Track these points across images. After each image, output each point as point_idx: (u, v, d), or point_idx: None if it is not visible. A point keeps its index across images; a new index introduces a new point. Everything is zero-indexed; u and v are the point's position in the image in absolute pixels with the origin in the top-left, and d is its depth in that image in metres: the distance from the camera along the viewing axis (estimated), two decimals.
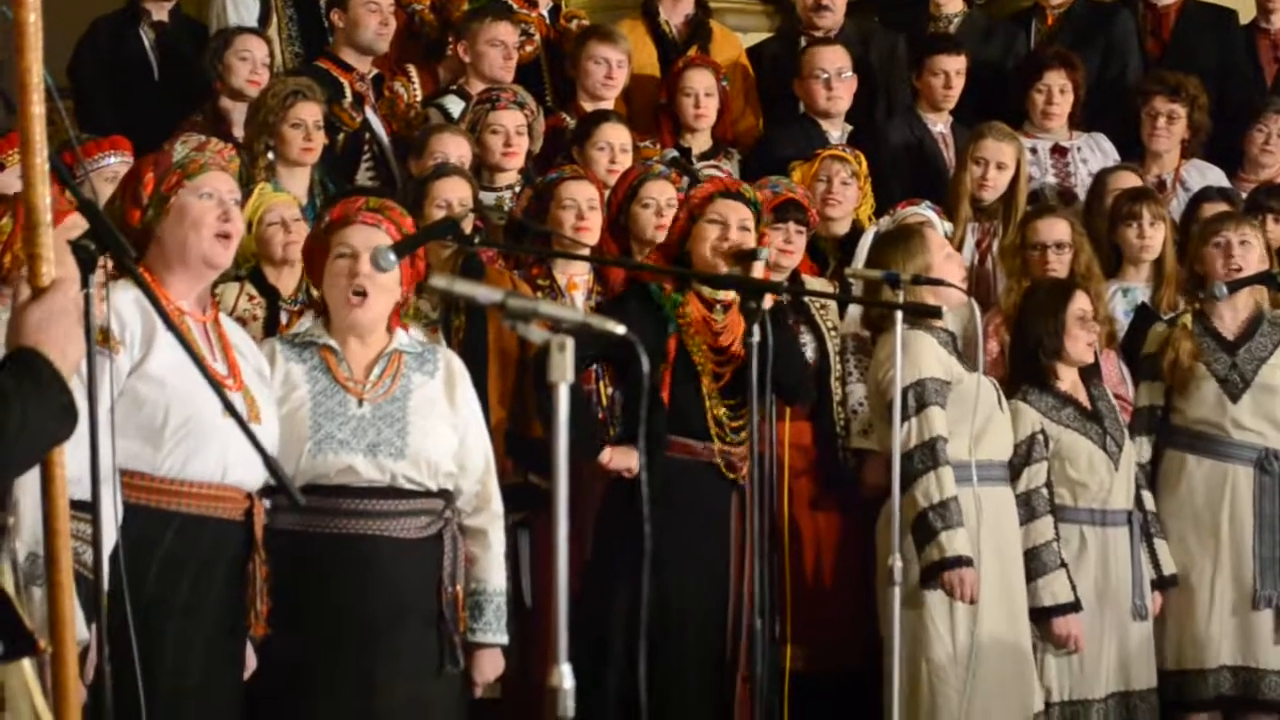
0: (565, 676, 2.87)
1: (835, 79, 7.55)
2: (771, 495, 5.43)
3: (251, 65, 7.13)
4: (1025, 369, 6.10)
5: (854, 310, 6.30)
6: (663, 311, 5.62)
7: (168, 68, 7.70)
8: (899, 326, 5.24)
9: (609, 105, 7.40)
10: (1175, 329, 6.38)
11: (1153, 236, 6.78)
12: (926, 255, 5.78)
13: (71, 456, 3.16)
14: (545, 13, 8.03)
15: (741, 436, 5.53)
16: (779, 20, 8.60)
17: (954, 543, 5.56)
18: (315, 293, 4.93)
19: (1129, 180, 7.15)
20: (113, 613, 3.67)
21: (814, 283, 6.44)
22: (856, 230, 6.85)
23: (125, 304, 4.19)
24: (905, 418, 5.52)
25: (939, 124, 7.69)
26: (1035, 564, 5.86)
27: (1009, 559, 5.80)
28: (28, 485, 3.30)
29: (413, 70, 7.68)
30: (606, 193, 6.29)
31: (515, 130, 6.76)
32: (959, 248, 6.73)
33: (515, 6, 7.79)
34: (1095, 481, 6.03)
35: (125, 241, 3.39)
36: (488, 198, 6.53)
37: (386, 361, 4.76)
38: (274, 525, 4.50)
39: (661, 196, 6.16)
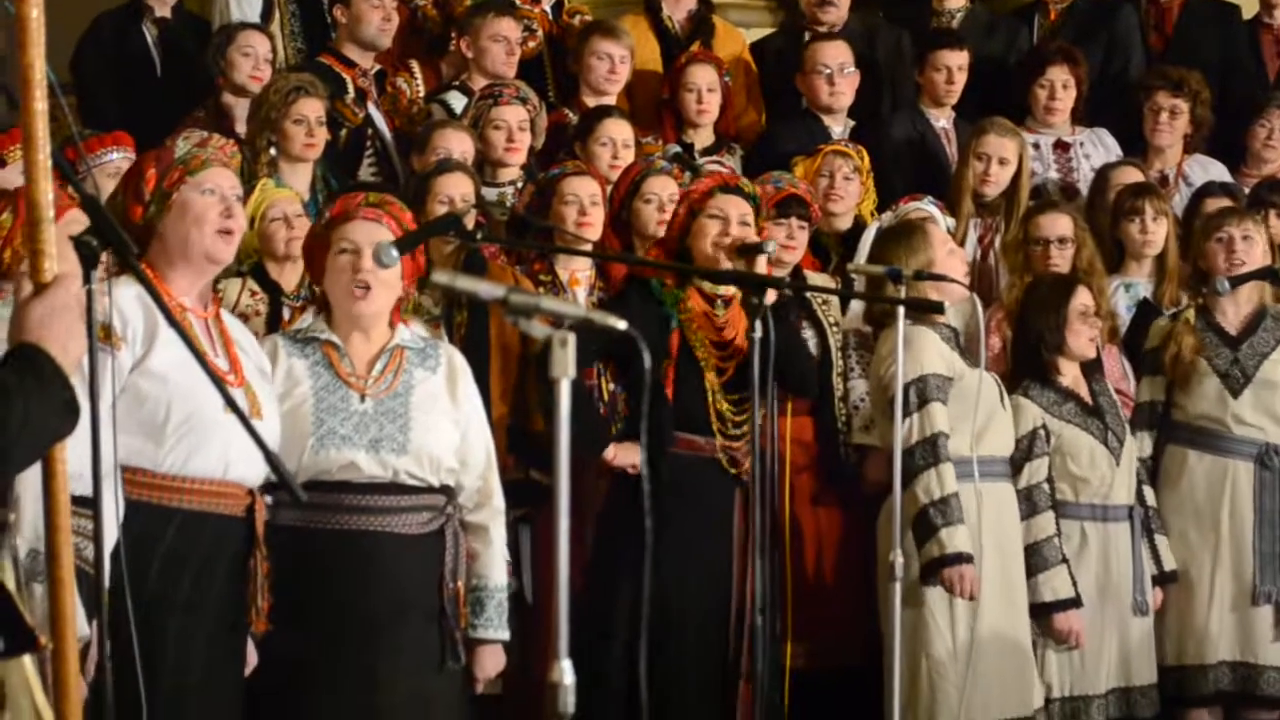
0: (566, 672, 2.87)
1: (838, 74, 7.55)
2: (773, 491, 5.42)
3: (254, 61, 7.13)
4: (1027, 364, 6.10)
5: (856, 305, 6.29)
6: (664, 307, 5.62)
7: (170, 63, 7.70)
8: (901, 322, 5.24)
9: (611, 101, 7.39)
10: (1178, 323, 6.38)
11: (1155, 232, 6.77)
12: (929, 251, 5.78)
13: (73, 452, 3.16)
14: (548, 8, 8.02)
15: (744, 431, 5.53)
16: (781, 15, 8.59)
17: (954, 539, 5.56)
18: (317, 289, 4.93)
19: (1131, 175, 7.14)
20: (114, 609, 3.68)
21: (816, 278, 6.43)
22: (859, 226, 6.84)
23: (127, 300, 4.19)
24: (907, 414, 5.52)
25: (941, 119, 7.69)
26: (1036, 559, 5.86)
27: (1010, 555, 5.80)
28: (29, 482, 3.30)
29: (415, 66, 7.68)
30: (609, 188, 6.29)
31: (518, 126, 6.76)
32: (961, 243, 6.73)
33: (518, 2, 7.79)
34: (1096, 477, 6.03)
35: (127, 238, 3.39)
36: (490, 193, 6.53)
37: (389, 357, 4.76)
38: (275, 521, 4.50)
39: (664, 192, 6.16)
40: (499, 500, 4.85)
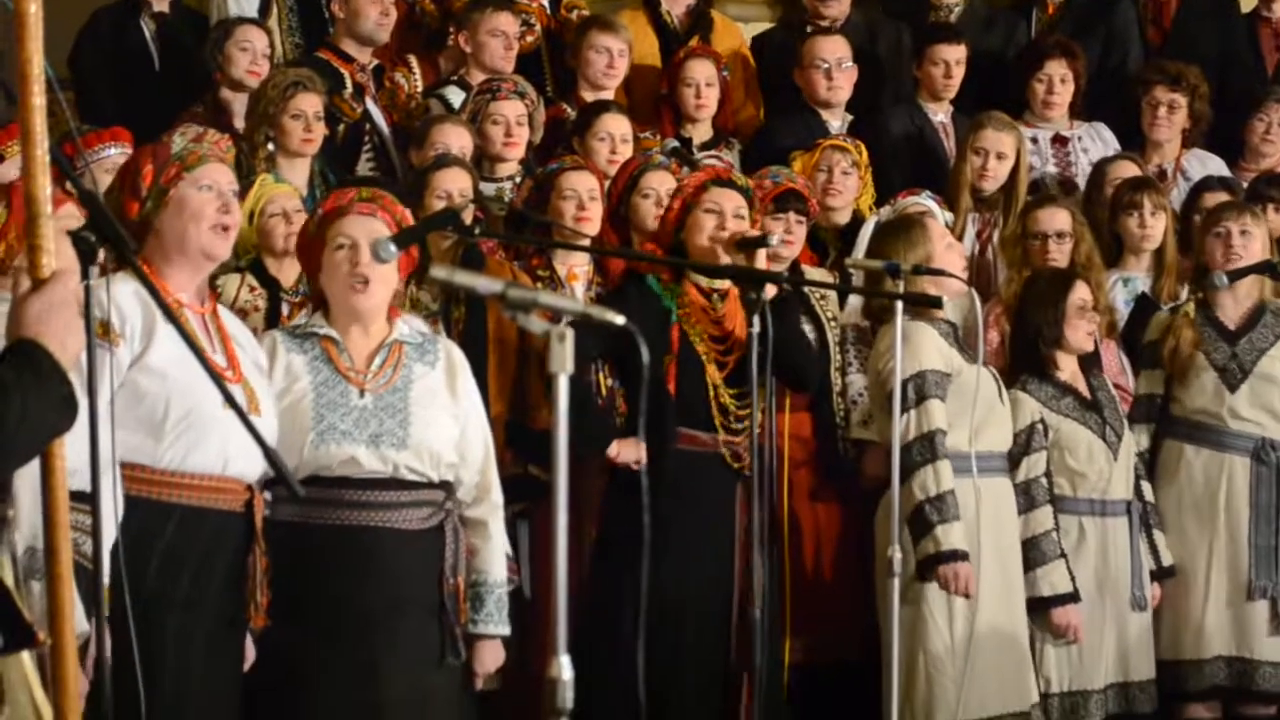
0: (564, 668, 2.87)
1: (835, 69, 7.55)
2: (771, 487, 5.42)
3: (252, 56, 7.13)
4: (1025, 358, 6.10)
5: (854, 300, 6.30)
6: (662, 302, 5.61)
7: (168, 59, 7.70)
8: (899, 317, 5.24)
9: (610, 95, 7.39)
10: (1177, 317, 6.38)
11: (1153, 226, 6.78)
12: (927, 245, 5.78)
13: (71, 448, 3.16)
14: (546, 3, 8.02)
15: (747, 426, 5.52)
16: (780, 10, 8.58)
17: (950, 537, 5.56)
18: (313, 286, 4.92)
19: (1129, 170, 7.14)
20: (113, 606, 3.68)
21: (814, 273, 6.43)
22: (857, 220, 6.85)
23: (125, 296, 4.19)
24: (904, 409, 5.51)
25: (939, 114, 7.69)
26: (1034, 554, 5.86)
27: (1008, 550, 5.81)
28: (27, 478, 3.29)
29: (413, 61, 7.68)
30: (607, 183, 6.29)
31: (516, 120, 6.76)
32: (959, 238, 6.72)
33: None
34: (1094, 471, 6.03)
35: (125, 234, 3.39)
36: (488, 188, 6.53)
37: (387, 352, 4.76)
38: (274, 517, 4.51)
39: (662, 187, 6.15)
40: (497, 495, 4.85)
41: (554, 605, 2.91)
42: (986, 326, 6.23)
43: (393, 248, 4.56)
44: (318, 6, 7.78)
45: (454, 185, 5.94)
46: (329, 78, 7.04)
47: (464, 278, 3.00)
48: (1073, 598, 5.87)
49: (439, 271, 3.00)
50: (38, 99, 3.03)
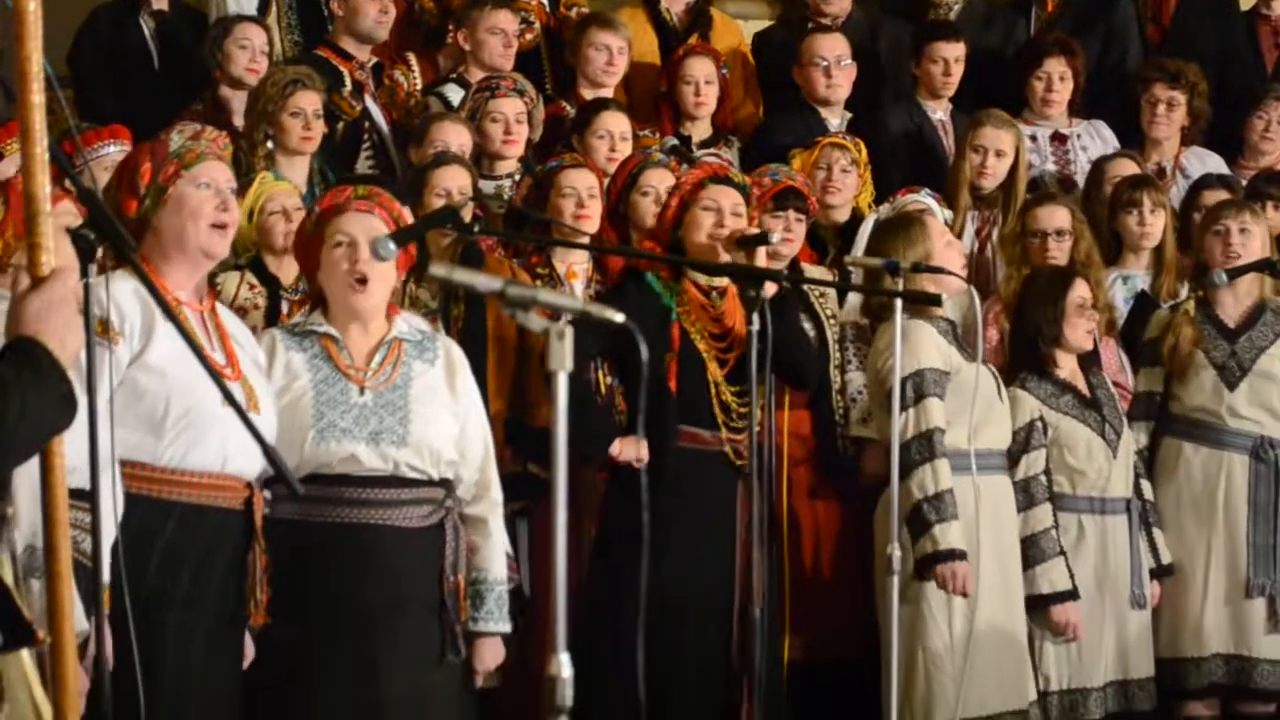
0: (564, 665, 2.87)
1: (835, 67, 7.55)
2: (771, 484, 5.42)
3: (251, 54, 7.13)
4: (1024, 356, 6.10)
5: (854, 298, 6.30)
6: (661, 299, 5.61)
7: (168, 56, 7.70)
8: (899, 315, 5.24)
9: (609, 93, 7.39)
10: (1177, 315, 6.38)
11: (1153, 224, 6.78)
12: (926, 243, 5.78)
13: (70, 446, 3.16)
14: (545, 0, 8.02)
15: (749, 423, 5.51)
16: (779, 8, 8.59)
17: (948, 536, 5.57)
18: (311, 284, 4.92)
19: (1129, 168, 7.14)
20: (113, 605, 3.68)
21: (814, 271, 6.43)
22: (856, 218, 6.85)
23: (124, 294, 4.19)
24: (903, 408, 5.51)
25: (939, 111, 7.69)
26: (1033, 551, 5.87)
27: (1007, 548, 5.81)
28: (26, 476, 3.29)
29: (412, 58, 7.68)
30: (606, 181, 6.28)
31: (515, 118, 6.76)
32: (959, 235, 6.73)
33: None
34: (1094, 469, 6.03)
35: (125, 232, 3.39)
36: (487, 186, 6.53)
37: (387, 349, 4.75)
38: (274, 515, 4.51)
39: (661, 185, 6.14)
40: (497, 493, 4.85)
41: (554, 603, 2.91)
42: (986, 324, 6.23)
43: (392, 245, 4.56)
44: (317, 4, 7.78)
45: (453, 183, 5.93)
46: (328, 75, 7.04)
47: (463, 275, 3.00)
48: (1072, 595, 5.87)
49: (438, 269, 3.00)
50: (37, 97, 3.03)
